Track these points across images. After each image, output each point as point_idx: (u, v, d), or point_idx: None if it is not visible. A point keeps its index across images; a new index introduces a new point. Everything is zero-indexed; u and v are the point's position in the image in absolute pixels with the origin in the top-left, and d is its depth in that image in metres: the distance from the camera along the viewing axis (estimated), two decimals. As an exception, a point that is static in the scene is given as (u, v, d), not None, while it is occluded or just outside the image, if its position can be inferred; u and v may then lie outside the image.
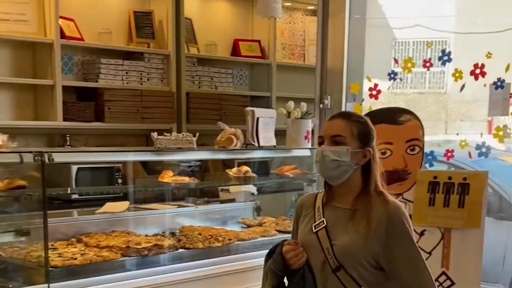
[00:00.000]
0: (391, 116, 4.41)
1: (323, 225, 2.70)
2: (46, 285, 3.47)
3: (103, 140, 6.04)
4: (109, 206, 4.30)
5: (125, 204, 4.34)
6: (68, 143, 5.76)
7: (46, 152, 3.58)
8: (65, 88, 5.82)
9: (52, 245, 3.85)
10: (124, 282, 3.72)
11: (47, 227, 3.58)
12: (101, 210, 4.31)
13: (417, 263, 2.66)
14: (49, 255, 3.59)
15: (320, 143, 2.73)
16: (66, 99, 5.84)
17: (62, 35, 5.87)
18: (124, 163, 4.92)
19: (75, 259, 3.69)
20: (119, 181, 5.26)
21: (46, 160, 3.53)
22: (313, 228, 2.72)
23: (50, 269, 3.52)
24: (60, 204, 4.56)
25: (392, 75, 4.94)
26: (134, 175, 4.95)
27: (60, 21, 5.87)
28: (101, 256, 3.82)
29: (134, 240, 4.15)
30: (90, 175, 5.19)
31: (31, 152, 3.57)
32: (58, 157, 3.70)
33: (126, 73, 6.30)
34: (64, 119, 5.77)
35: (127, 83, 6.29)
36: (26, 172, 3.74)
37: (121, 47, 6.44)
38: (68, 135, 5.80)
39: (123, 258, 3.88)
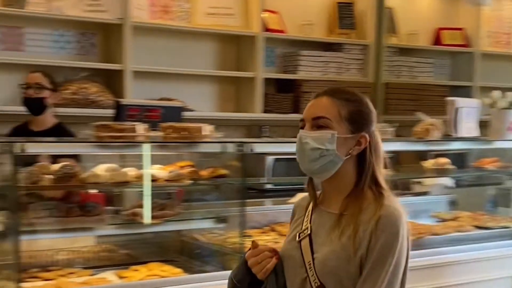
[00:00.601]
0: None
1: (307, 233, 2.12)
2: (241, 270, 3.64)
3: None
4: (300, 196, 4.40)
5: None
6: (265, 134, 5.97)
7: (248, 142, 3.74)
8: (266, 80, 6.05)
9: (246, 232, 4.02)
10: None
11: (245, 215, 3.75)
12: (292, 200, 4.42)
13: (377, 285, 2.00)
14: (244, 242, 3.74)
15: (301, 128, 2.14)
16: (266, 91, 6.07)
17: (266, 28, 6.07)
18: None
19: (267, 247, 3.83)
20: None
21: (247, 150, 3.68)
22: (297, 236, 2.14)
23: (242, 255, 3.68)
24: (254, 194, 4.73)
25: None
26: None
27: (265, 14, 6.09)
28: (293, 244, 3.93)
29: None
30: (283, 166, 5.33)
31: (234, 142, 3.73)
32: (258, 148, 3.85)
33: (325, 64, 6.41)
34: (264, 111, 6.00)
35: (325, 74, 6.39)
36: (227, 162, 3.87)
37: (321, 39, 6.55)
38: (266, 127, 6.01)
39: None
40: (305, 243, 2.11)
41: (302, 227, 2.16)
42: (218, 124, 3.94)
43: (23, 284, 3.15)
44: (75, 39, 5.44)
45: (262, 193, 4.92)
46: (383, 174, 2.13)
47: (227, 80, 6.10)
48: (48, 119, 4.38)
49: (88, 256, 3.73)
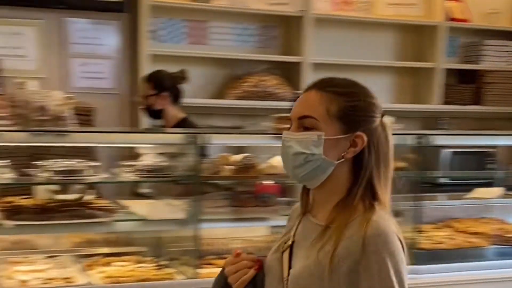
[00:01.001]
0: None
1: (289, 244, 1.85)
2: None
3: (478, 124, 5.96)
4: (479, 192, 4.28)
5: (497, 191, 4.28)
6: (441, 126, 5.82)
7: (428, 134, 3.69)
8: (446, 71, 5.91)
9: (420, 227, 3.96)
10: (487, 271, 3.71)
11: (419, 210, 3.69)
12: (470, 195, 4.31)
13: None
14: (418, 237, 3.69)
15: (289, 128, 1.86)
16: (446, 82, 5.93)
17: (449, 17, 5.94)
18: (498, 147, 4.82)
19: (442, 243, 3.77)
20: (490, 166, 5.11)
21: (426, 143, 3.63)
22: (282, 245, 1.88)
23: (417, 251, 3.62)
24: (428, 188, 4.64)
25: None
26: (508, 160, 4.81)
27: (449, 3, 5.95)
28: (470, 242, 3.84)
29: (504, 228, 4.09)
30: (461, 159, 5.16)
31: (414, 134, 3.68)
32: (438, 140, 3.79)
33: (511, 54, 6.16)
34: (444, 102, 5.88)
35: (511, 65, 6.14)
36: (403, 154, 3.79)
37: (508, 28, 6.28)
38: (444, 118, 5.88)
39: (491, 246, 3.85)
40: (286, 255, 1.84)
41: (287, 237, 1.89)
42: (394, 115, 3.90)
43: (200, 270, 3.33)
44: (257, 32, 5.58)
45: (436, 187, 4.81)
46: (387, 180, 1.83)
47: (406, 71, 6.01)
48: (170, 118, 4.34)
49: (260, 245, 3.84)
